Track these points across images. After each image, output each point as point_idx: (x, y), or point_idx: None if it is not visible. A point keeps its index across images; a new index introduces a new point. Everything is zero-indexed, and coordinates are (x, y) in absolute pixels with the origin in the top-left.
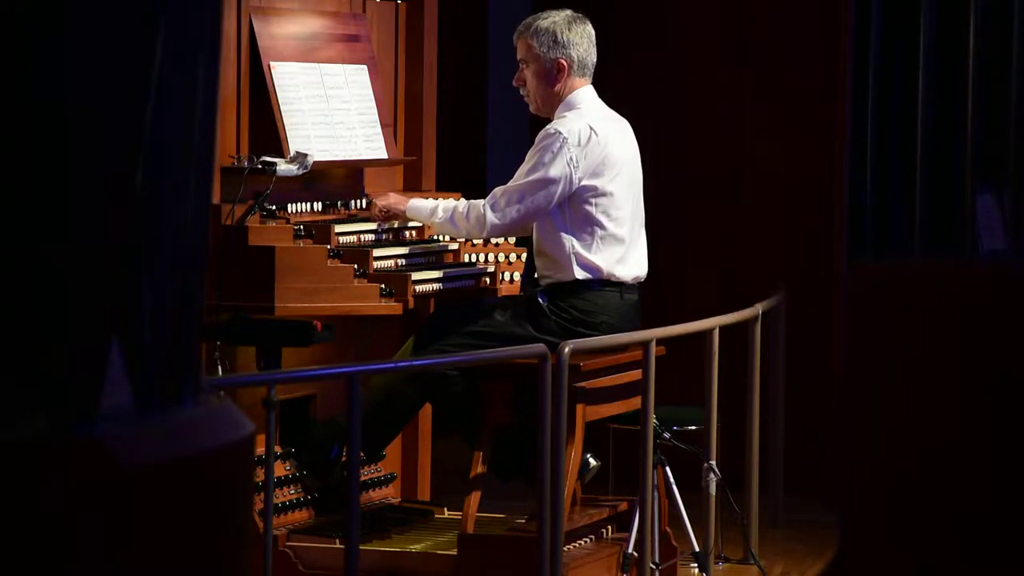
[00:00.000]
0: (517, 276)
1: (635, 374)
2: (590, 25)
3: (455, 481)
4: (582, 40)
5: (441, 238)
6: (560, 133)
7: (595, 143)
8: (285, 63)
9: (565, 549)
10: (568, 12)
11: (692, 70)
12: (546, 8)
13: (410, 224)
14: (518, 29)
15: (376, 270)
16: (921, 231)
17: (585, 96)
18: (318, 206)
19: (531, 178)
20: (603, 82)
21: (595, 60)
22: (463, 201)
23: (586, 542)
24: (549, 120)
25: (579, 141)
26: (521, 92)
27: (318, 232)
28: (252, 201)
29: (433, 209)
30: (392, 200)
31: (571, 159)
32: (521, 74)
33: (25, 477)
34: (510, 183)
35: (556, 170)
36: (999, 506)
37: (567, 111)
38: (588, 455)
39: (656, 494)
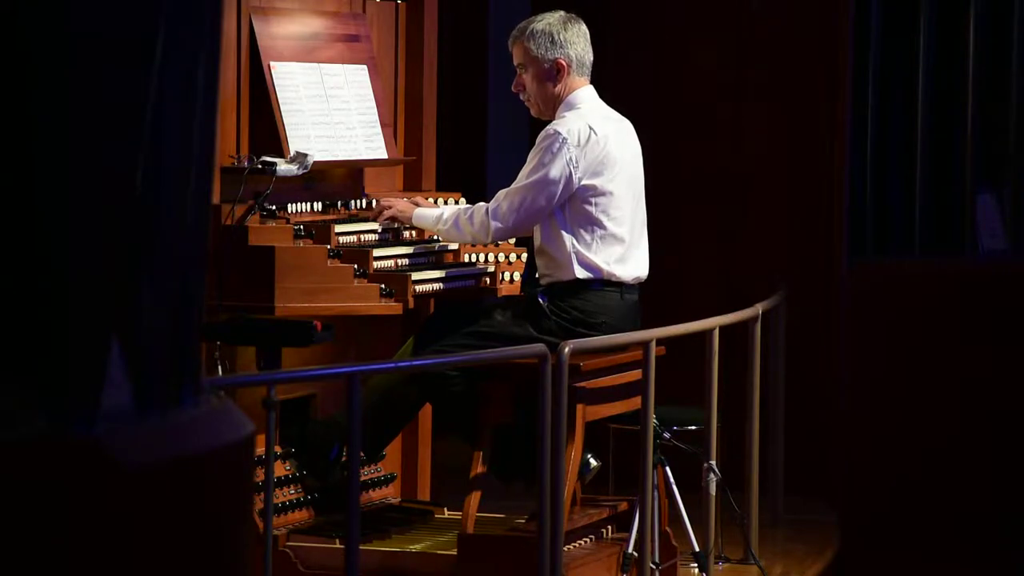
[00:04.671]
0: (517, 276)
1: (635, 374)
2: (584, 24)
3: (455, 481)
4: (578, 39)
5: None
6: (559, 133)
7: (594, 143)
8: (285, 63)
9: (565, 549)
10: (561, 13)
11: (692, 70)
12: (546, 8)
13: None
14: (512, 35)
15: (376, 270)
16: (921, 231)
17: (586, 96)
18: (318, 206)
19: (531, 180)
20: (603, 82)
21: (592, 59)
22: (465, 206)
23: (586, 542)
24: (550, 120)
25: (578, 141)
26: (521, 97)
27: (318, 232)
28: (252, 201)
29: (438, 217)
30: (399, 208)
31: (571, 159)
32: (519, 80)
33: (25, 477)
34: (511, 186)
35: (556, 171)
36: (999, 506)
37: (567, 111)
38: (588, 455)
39: (656, 494)
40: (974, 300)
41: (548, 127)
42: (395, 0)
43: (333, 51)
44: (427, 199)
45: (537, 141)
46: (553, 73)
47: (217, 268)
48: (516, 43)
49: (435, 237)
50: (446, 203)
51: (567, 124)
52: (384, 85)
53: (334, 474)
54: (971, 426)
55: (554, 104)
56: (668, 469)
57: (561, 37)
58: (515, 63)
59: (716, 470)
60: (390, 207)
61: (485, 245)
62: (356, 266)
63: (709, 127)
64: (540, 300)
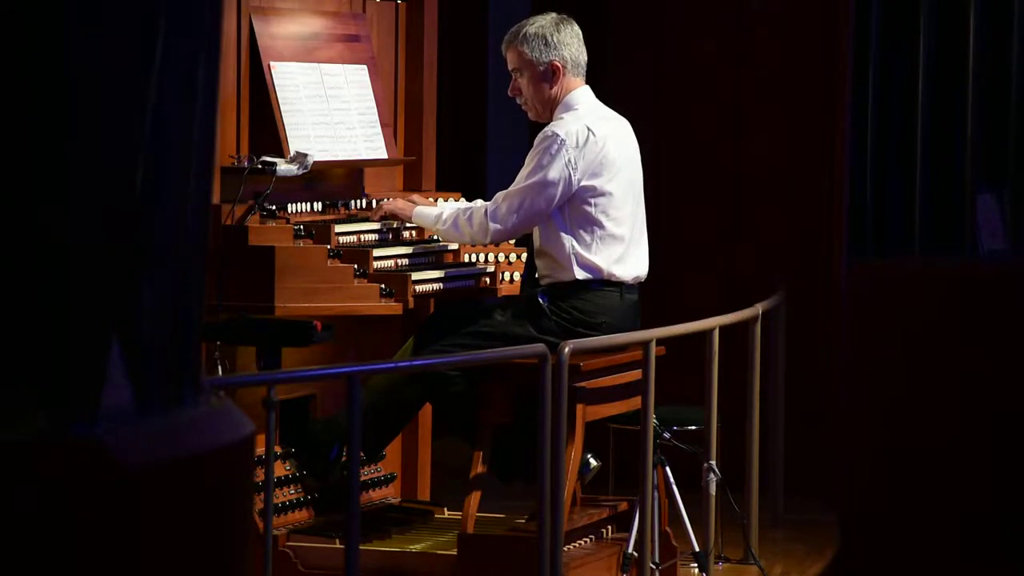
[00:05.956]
0: (517, 276)
1: (635, 374)
2: (576, 25)
3: (455, 481)
4: (572, 40)
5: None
6: (557, 135)
7: (592, 143)
8: (285, 63)
9: (565, 549)
10: (553, 15)
11: (692, 70)
12: (546, 8)
13: (410, 223)
14: (505, 39)
15: (376, 270)
16: (921, 231)
17: (582, 96)
18: (318, 206)
19: (530, 182)
20: (603, 82)
21: (586, 59)
22: (464, 205)
23: (586, 542)
24: (548, 122)
25: (577, 142)
26: (518, 101)
27: (318, 232)
28: (252, 201)
29: (437, 216)
30: (398, 205)
31: (569, 161)
32: (515, 84)
33: (25, 477)
34: (510, 187)
35: (554, 172)
36: (999, 506)
37: (565, 112)
38: (589, 455)
39: (656, 494)
40: (974, 300)
41: (546, 129)
42: (395, 0)
43: (333, 51)
44: (427, 198)
45: (535, 143)
46: (548, 75)
47: (217, 268)
48: (509, 48)
49: (435, 237)
50: (446, 202)
51: (565, 126)
52: (384, 85)
53: (334, 474)
54: (971, 426)
55: (551, 106)
56: (668, 469)
57: (554, 39)
58: (510, 68)
59: (716, 470)
60: (389, 205)
61: (484, 246)
62: (356, 266)
63: (709, 127)
64: (540, 300)
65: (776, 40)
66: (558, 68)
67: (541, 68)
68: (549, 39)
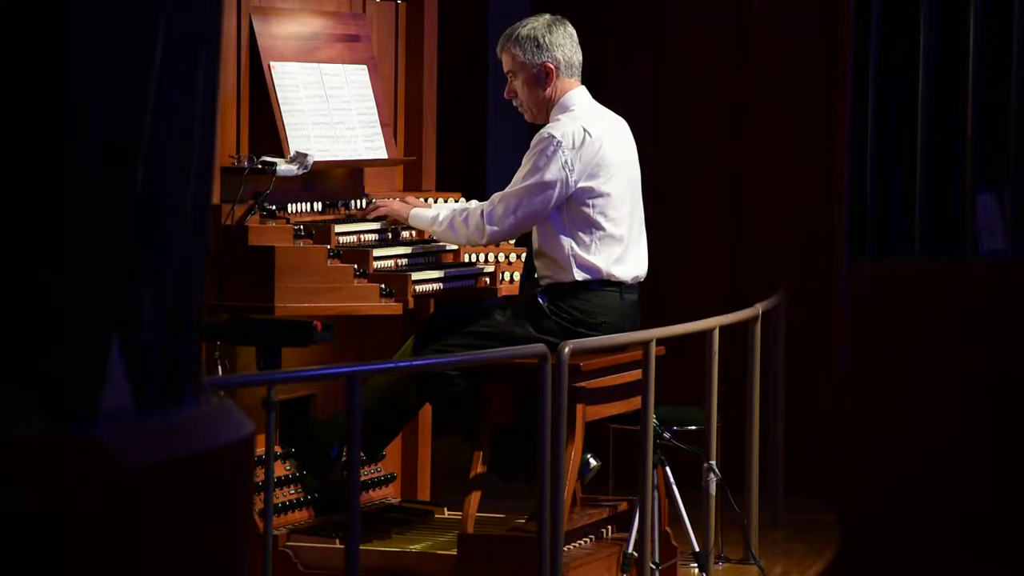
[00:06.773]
0: (517, 276)
1: (635, 374)
2: (570, 26)
3: (455, 481)
4: (565, 41)
5: None
6: (554, 137)
7: (589, 144)
8: (285, 63)
9: (565, 549)
10: (547, 16)
11: (692, 70)
12: (546, 9)
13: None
14: (499, 42)
15: (376, 270)
16: (921, 231)
17: (578, 97)
18: (318, 206)
19: (527, 183)
20: (603, 82)
21: (581, 60)
22: (461, 206)
23: (586, 542)
24: (544, 124)
25: (573, 144)
26: (514, 103)
27: (318, 232)
28: (252, 201)
29: (434, 217)
30: (394, 208)
31: (566, 162)
32: (511, 86)
33: (25, 477)
34: (507, 189)
35: (551, 174)
36: (999, 506)
37: (561, 114)
38: (588, 455)
39: (656, 494)
40: (974, 300)
41: (542, 130)
42: (395, 0)
43: (333, 51)
44: (419, 199)
45: (532, 144)
46: (542, 77)
47: (217, 268)
48: (503, 50)
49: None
50: (446, 203)
51: (561, 127)
52: (384, 85)
53: (334, 474)
54: (971, 426)
55: (547, 108)
56: (668, 469)
57: (547, 40)
58: (505, 70)
59: (716, 470)
60: (385, 207)
61: (485, 246)
62: (356, 266)
63: (709, 127)
64: (540, 300)
65: (776, 40)
66: (551, 70)
67: (534, 70)
68: (541, 41)
